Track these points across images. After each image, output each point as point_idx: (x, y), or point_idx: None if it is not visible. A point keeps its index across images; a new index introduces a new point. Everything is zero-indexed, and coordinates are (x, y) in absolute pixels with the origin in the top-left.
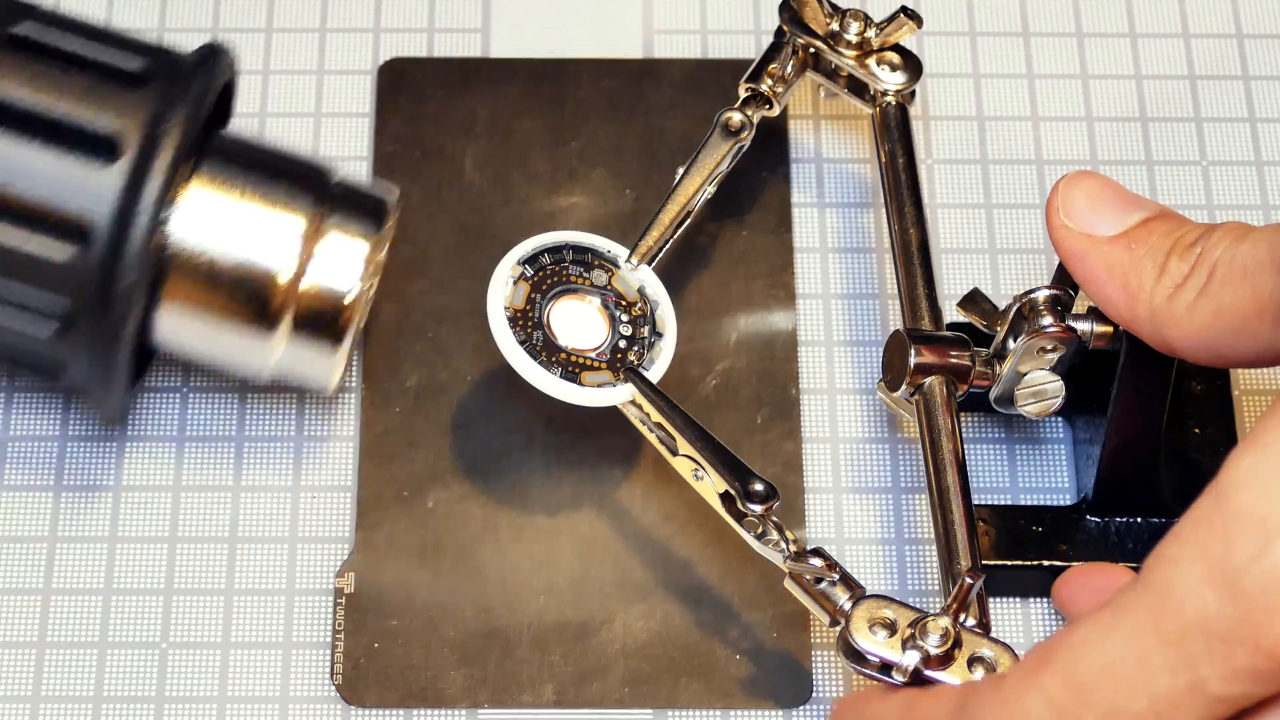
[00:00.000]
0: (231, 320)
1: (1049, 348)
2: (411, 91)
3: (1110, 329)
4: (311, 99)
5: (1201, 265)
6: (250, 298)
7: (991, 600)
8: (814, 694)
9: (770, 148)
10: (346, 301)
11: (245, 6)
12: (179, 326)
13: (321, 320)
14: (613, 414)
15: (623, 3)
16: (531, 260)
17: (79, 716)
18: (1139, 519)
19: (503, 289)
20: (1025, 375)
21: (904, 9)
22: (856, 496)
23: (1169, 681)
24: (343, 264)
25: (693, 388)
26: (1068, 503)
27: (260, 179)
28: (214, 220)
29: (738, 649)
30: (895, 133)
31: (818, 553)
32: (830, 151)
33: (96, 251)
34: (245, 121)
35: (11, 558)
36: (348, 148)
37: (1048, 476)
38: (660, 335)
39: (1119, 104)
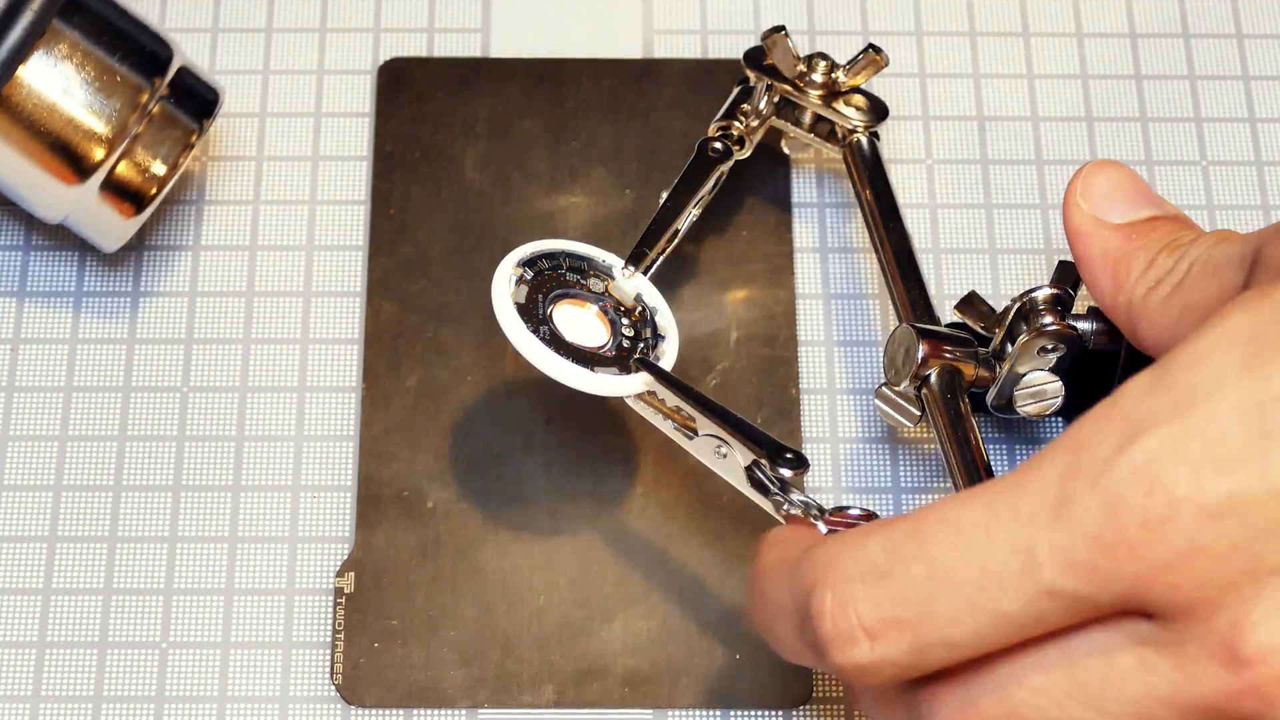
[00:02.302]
0: (45, 166)
1: (1049, 347)
2: (411, 91)
3: (1109, 331)
4: (311, 99)
5: (1181, 263)
6: (69, 151)
7: None
8: (814, 694)
9: (770, 148)
10: (156, 177)
11: (245, 6)
12: None
13: (128, 189)
14: (613, 414)
15: (623, 3)
16: (530, 263)
17: (79, 716)
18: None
19: (506, 283)
20: (1024, 376)
21: (871, 46)
22: (856, 496)
23: (1005, 557)
24: (161, 146)
25: (693, 387)
26: None
27: (109, 44)
28: (55, 74)
29: (738, 649)
30: (868, 171)
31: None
32: (830, 151)
33: None
34: (245, 121)
35: (11, 558)
36: (348, 148)
37: None
38: (663, 338)
39: (1119, 104)
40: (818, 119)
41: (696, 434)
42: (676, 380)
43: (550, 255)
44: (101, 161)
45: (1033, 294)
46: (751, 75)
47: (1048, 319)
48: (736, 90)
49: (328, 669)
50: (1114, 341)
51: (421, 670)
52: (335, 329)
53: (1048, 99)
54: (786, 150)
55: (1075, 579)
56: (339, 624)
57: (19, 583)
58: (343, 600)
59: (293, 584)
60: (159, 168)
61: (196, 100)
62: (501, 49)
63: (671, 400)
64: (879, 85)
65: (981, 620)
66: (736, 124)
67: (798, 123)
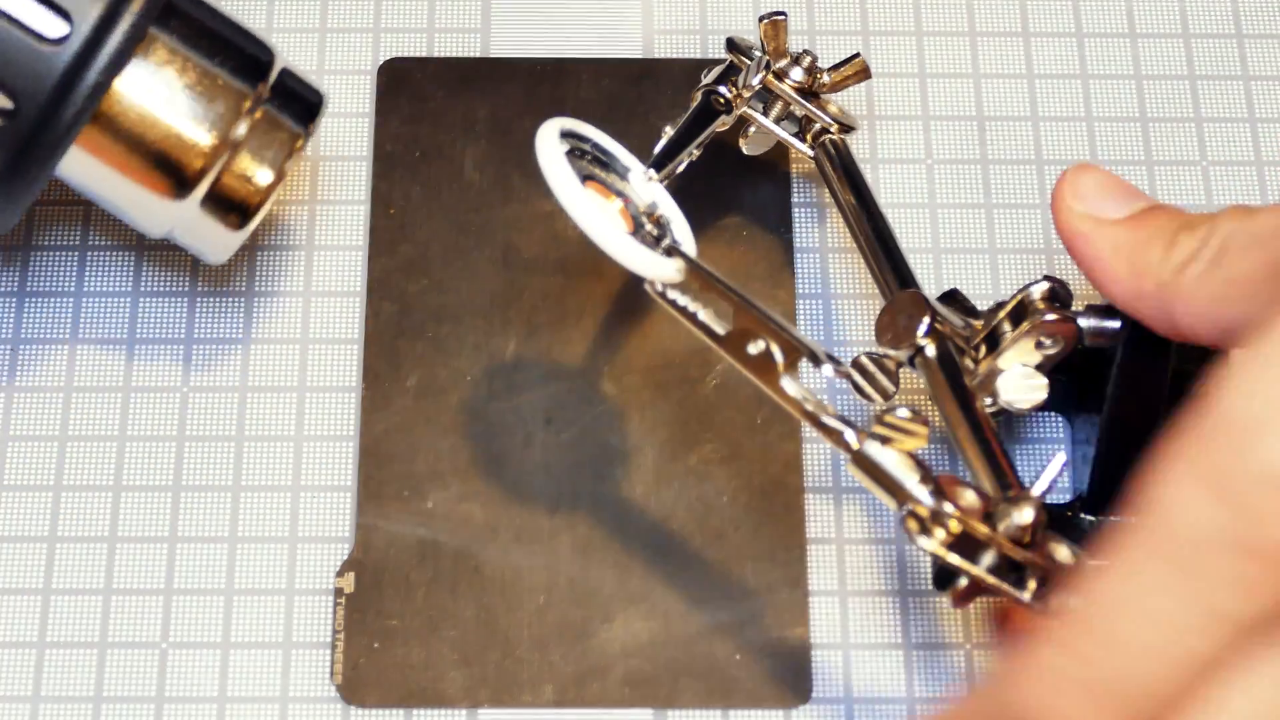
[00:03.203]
0: (144, 181)
1: (1046, 342)
2: (411, 91)
3: (1106, 330)
4: None
5: (1213, 238)
6: (169, 164)
7: (985, 599)
8: (814, 694)
9: (770, 148)
10: (262, 187)
11: (245, 6)
12: (92, 171)
13: (233, 200)
14: (613, 414)
15: (623, 3)
16: (567, 135)
17: (79, 716)
18: (1134, 518)
19: (555, 140)
20: (1004, 371)
21: (857, 55)
22: (856, 496)
23: (1186, 612)
24: (267, 151)
25: (693, 388)
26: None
27: (208, 49)
28: (154, 83)
29: (738, 649)
30: (845, 171)
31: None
32: (796, 149)
33: (27, 117)
34: None
35: (11, 558)
36: (348, 148)
37: None
38: (679, 243)
39: (1119, 104)
40: (785, 116)
41: (724, 332)
42: (714, 273)
43: (583, 138)
44: (204, 173)
45: (1029, 289)
46: (733, 57)
47: (1048, 314)
48: (722, 67)
49: (328, 669)
50: (1111, 339)
51: (421, 670)
52: (335, 329)
53: (1048, 99)
54: (745, 149)
55: (1255, 599)
56: (339, 624)
57: (19, 583)
58: (343, 600)
59: (293, 584)
60: (264, 177)
61: (300, 104)
62: (501, 49)
63: (699, 297)
64: (879, 84)
65: (1178, 670)
66: (726, 91)
67: (764, 113)
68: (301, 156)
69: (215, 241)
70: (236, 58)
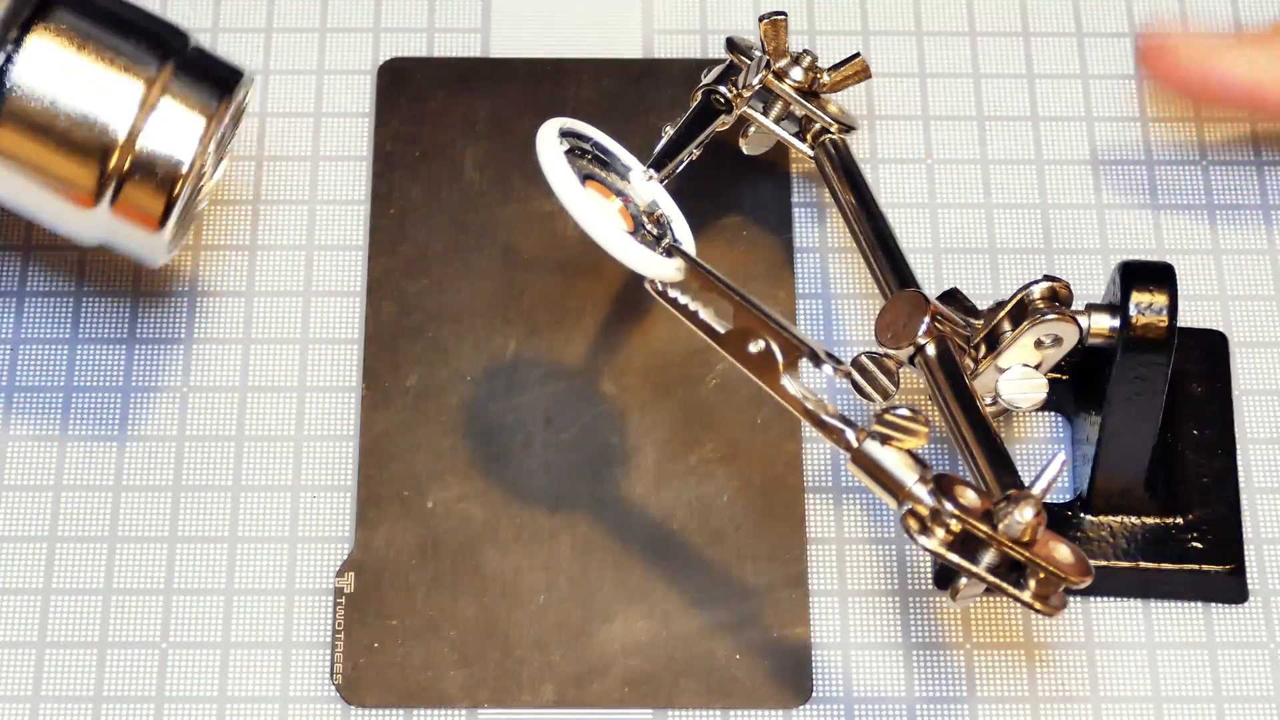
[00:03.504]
0: (55, 179)
1: (1045, 342)
2: (411, 91)
3: (1106, 330)
4: (311, 99)
5: None
6: (76, 157)
7: (986, 598)
8: (814, 694)
9: (770, 148)
10: (180, 172)
11: (245, 6)
12: (3, 182)
13: (148, 189)
14: (612, 414)
15: (623, 3)
16: (567, 134)
17: (79, 716)
18: (1135, 518)
19: (555, 140)
20: (1005, 370)
21: (858, 55)
22: (856, 496)
23: None
24: (178, 133)
25: (693, 388)
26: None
27: (109, 34)
28: (51, 72)
29: (738, 649)
30: (846, 171)
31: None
32: (796, 149)
33: None
34: (245, 121)
35: (11, 558)
36: (348, 148)
37: None
38: (679, 243)
39: (1119, 104)
40: (785, 116)
41: (724, 331)
42: (714, 272)
43: (583, 137)
44: (105, 179)
45: (1029, 288)
46: (733, 57)
47: (1048, 313)
48: (723, 67)
49: (328, 669)
50: (1109, 338)
51: (421, 670)
52: (335, 329)
53: (1048, 99)
54: (745, 149)
55: None
56: (339, 624)
57: (19, 583)
58: (343, 600)
59: (293, 584)
60: (174, 167)
61: (211, 83)
62: (501, 49)
63: (700, 296)
64: (879, 84)
65: None
66: (726, 90)
67: (765, 113)
68: (223, 136)
69: (143, 242)
70: (135, 44)
